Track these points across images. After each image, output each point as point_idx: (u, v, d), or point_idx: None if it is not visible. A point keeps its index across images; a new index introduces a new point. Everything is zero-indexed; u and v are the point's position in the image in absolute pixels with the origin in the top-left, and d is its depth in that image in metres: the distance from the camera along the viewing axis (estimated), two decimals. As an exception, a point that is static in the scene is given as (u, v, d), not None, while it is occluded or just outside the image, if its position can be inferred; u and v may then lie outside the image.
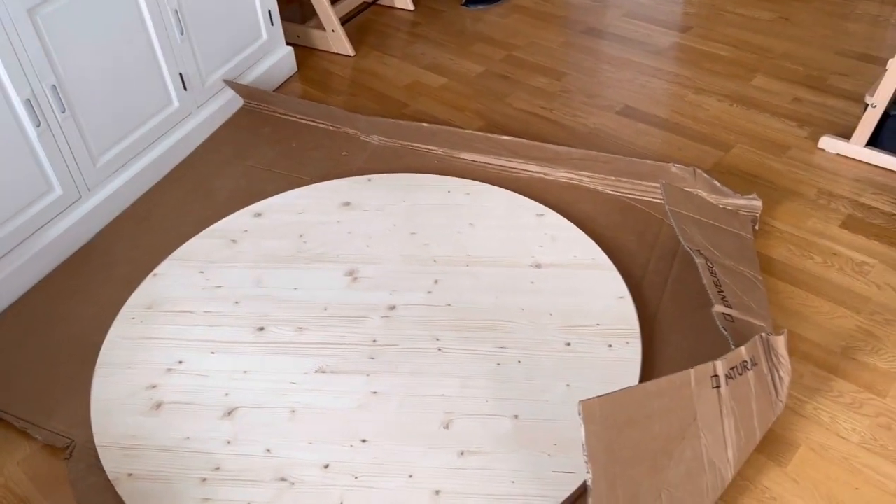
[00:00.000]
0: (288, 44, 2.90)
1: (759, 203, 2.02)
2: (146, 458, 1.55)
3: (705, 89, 2.64)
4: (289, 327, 1.80)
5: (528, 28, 3.09)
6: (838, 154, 2.29)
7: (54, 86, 1.96)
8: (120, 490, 1.50)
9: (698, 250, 1.77)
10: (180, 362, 1.74)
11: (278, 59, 2.80)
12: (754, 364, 1.46)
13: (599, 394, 1.25)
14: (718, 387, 1.39)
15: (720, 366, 1.39)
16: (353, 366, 1.70)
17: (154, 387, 1.69)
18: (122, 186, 2.23)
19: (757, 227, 2.02)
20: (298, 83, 2.85)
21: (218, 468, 1.52)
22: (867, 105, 2.16)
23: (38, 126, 1.94)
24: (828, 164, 2.26)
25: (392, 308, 1.83)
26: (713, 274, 1.71)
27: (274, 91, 2.77)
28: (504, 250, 1.98)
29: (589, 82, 2.72)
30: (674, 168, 2.06)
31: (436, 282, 1.90)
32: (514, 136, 2.44)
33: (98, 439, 1.59)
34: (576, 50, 2.92)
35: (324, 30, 2.97)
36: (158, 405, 1.65)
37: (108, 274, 2.05)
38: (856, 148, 2.25)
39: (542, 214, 2.09)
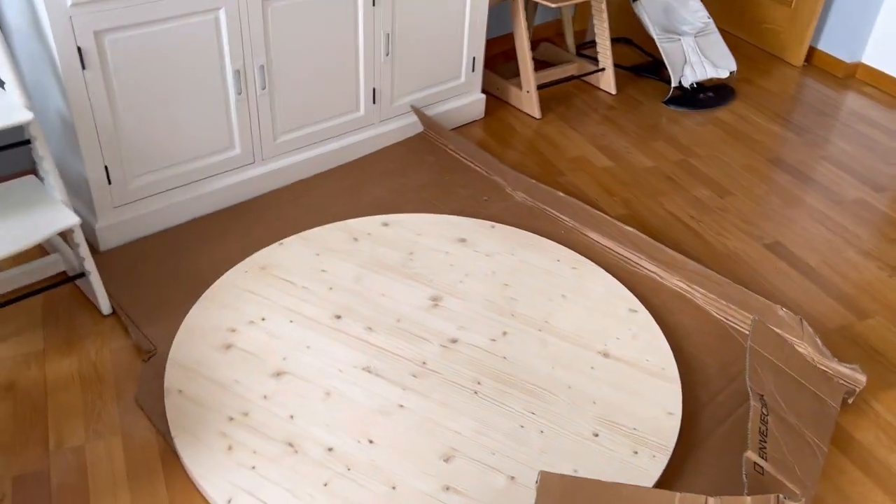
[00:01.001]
0: (485, 91, 3.14)
1: (862, 378, 1.88)
2: (198, 383, 1.78)
3: (870, 253, 2.48)
4: (361, 324, 1.97)
5: (717, 141, 3.07)
6: None
7: (262, 66, 2.31)
8: (166, 401, 1.74)
9: (761, 395, 1.70)
10: (263, 319, 1.97)
11: (469, 101, 3.03)
12: (755, 520, 1.39)
13: (566, 473, 1.28)
14: (702, 523, 1.34)
15: (713, 502, 1.35)
16: (395, 376, 1.83)
17: (234, 331, 1.94)
18: (290, 165, 2.55)
19: (850, 401, 1.88)
20: (480, 128, 3.06)
21: (246, 414, 1.72)
22: None
23: (239, 94, 2.30)
24: (971, 370, 2.04)
25: (454, 341, 1.94)
26: (763, 422, 1.63)
27: (453, 129, 3.00)
28: (581, 329, 2.01)
29: (750, 208, 2.66)
30: (781, 311, 1.98)
31: (504, 333, 1.98)
32: (652, 234, 2.46)
33: (171, 354, 1.86)
34: (753, 174, 2.86)
35: (521, 89, 3.17)
36: (229, 346, 1.89)
37: (247, 231, 2.35)
38: None
39: (635, 311, 2.10)
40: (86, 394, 1.81)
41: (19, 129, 1.96)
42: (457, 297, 2.09)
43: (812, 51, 3.79)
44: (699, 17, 3.48)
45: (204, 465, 1.61)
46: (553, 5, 2.94)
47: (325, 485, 1.58)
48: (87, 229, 2.21)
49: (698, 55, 3.35)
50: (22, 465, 1.64)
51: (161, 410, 1.74)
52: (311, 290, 2.09)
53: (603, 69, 3.40)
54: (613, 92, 3.40)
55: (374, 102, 2.69)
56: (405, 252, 2.26)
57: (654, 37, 3.29)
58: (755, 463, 1.56)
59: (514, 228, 2.41)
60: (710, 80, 3.42)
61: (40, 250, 2.21)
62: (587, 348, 1.96)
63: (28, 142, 1.85)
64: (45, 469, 1.63)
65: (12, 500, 1.56)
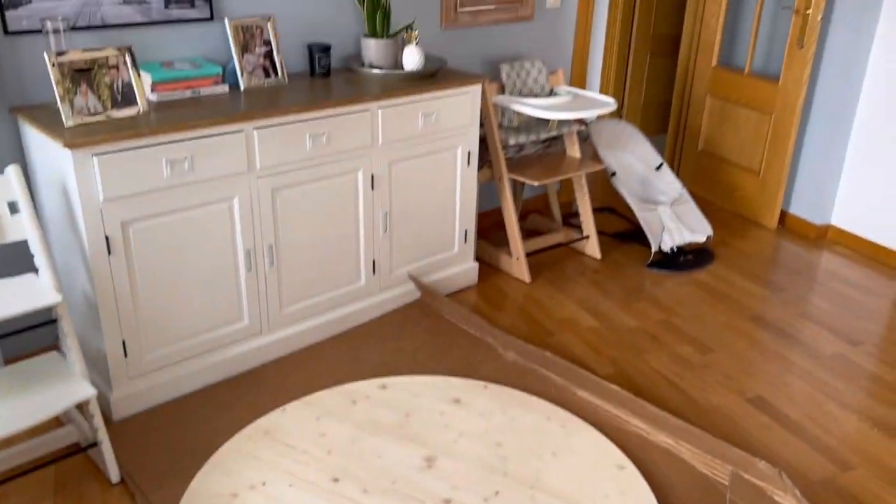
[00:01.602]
0: (478, 259, 3.37)
1: (846, 530, 1.92)
2: (200, 549, 1.84)
3: (850, 406, 2.57)
4: (357, 487, 2.05)
5: (698, 301, 3.24)
6: (972, 513, 2.09)
7: (271, 245, 2.54)
8: (169, 566, 1.80)
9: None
10: (264, 483, 2.05)
11: (462, 269, 3.25)
12: None
13: None
14: None
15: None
16: (390, 538, 1.89)
17: (235, 496, 2.01)
18: (295, 333, 2.72)
19: (837, 554, 1.91)
20: (474, 293, 3.26)
21: (245, 579, 1.76)
22: None
23: (249, 271, 2.51)
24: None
25: (447, 502, 2.01)
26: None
27: (448, 295, 3.19)
28: (572, 488, 2.08)
29: (732, 365, 2.78)
30: (761, 464, 2.05)
31: (496, 493, 2.05)
32: (638, 391, 2.57)
33: (176, 520, 1.93)
34: (733, 332, 3.00)
35: (511, 256, 3.39)
36: (231, 511, 1.96)
37: (254, 398, 2.48)
38: None
39: (623, 467, 2.17)
40: (91, 562, 1.86)
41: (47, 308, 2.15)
42: (451, 457, 2.18)
43: (784, 214, 4.06)
44: (674, 187, 3.77)
45: None
46: (536, 183, 3.23)
47: None
48: (102, 400, 2.34)
49: (675, 222, 3.60)
50: None
51: (163, 577, 1.79)
52: (310, 453, 2.18)
53: (587, 236, 3.64)
54: (598, 257, 3.63)
55: (373, 273, 2.90)
56: (401, 413, 2.36)
57: (633, 207, 3.56)
58: None
59: (505, 388, 2.52)
60: (689, 244, 3.65)
61: (56, 421, 2.33)
62: (563, 499, 2.02)
63: (55, 320, 2.04)
64: None
65: None
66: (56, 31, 2.21)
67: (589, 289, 3.33)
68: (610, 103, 3.29)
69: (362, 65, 2.92)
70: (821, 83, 3.76)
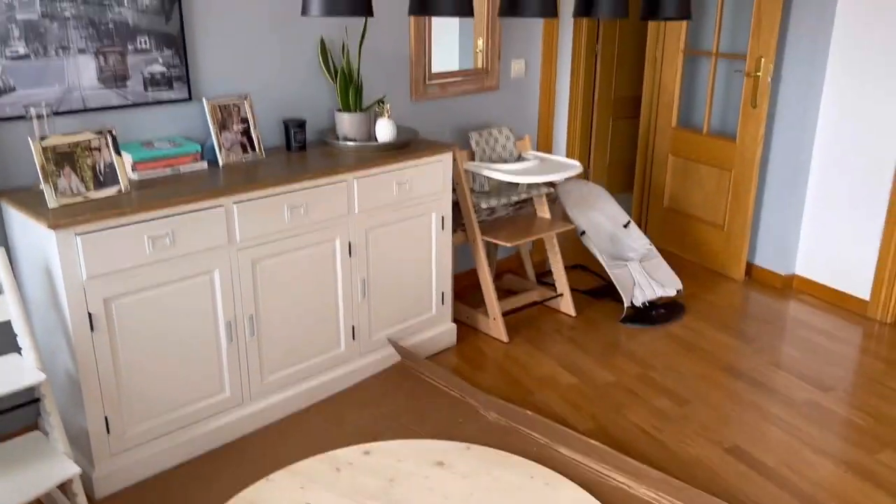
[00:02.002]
0: (456, 320, 3.42)
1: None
2: None
3: (825, 451, 2.62)
4: (345, 555, 2.05)
5: (672, 354, 3.31)
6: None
7: (251, 315, 2.58)
8: None
9: None
10: (250, 556, 2.04)
11: (441, 331, 3.29)
12: None
13: None
14: None
15: None
16: None
17: (222, 570, 2.00)
18: (278, 402, 2.73)
19: None
20: (453, 354, 3.30)
21: None
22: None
23: (231, 342, 2.54)
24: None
25: (435, 565, 2.01)
26: None
27: (427, 357, 3.23)
28: (557, 545, 2.10)
29: (709, 415, 2.84)
30: (741, 513, 2.09)
31: (483, 554, 2.06)
32: (618, 445, 2.61)
33: None
34: (708, 383, 3.07)
35: (487, 316, 3.45)
36: (218, 586, 1.94)
37: (238, 470, 2.47)
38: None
39: (606, 523, 2.19)
40: None
41: (30, 388, 2.15)
42: (436, 521, 2.19)
43: (750, 266, 4.19)
44: (641, 244, 3.89)
45: None
46: (510, 244, 3.31)
47: None
48: (85, 478, 2.32)
49: (646, 277, 3.70)
50: None
51: None
52: (296, 523, 2.18)
53: (561, 294, 3.72)
54: (573, 314, 3.70)
55: (353, 339, 2.94)
56: (385, 479, 2.37)
57: (604, 264, 3.65)
58: None
59: (488, 448, 2.54)
60: (660, 298, 3.74)
61: (37, 502, 2.30)
62: (563, 563, 2.03)
63: (37, 400, 2.04)
64: None
65: None
66: (40, 117, 2.28)
67: (566, 346, 3.39)
68: (575, 166, 3.41)
69: (337, 138, 3.02)
70: (776, 139, 3.93)
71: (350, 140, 2.99)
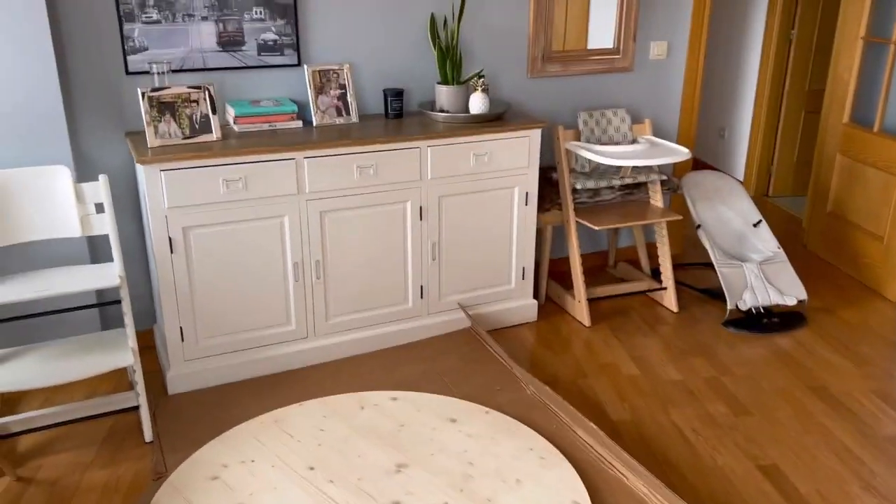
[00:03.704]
0: (547, 298, 3.48)
1: None
2: (176, 502, 2.20)
3: (880, 490, 2.34)
4: (326, 477, 2.29)
5: (761, 364, 3.08)
6: None
7: (318, 261, 2.90)
8: (150, 509, 2.17)
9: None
10: (252, 461, 2.37)
11: (519, 305, 3.38)
12: None
13: None
14: None
15: None
16: (331, 523, 2.11)
17: (225, 466, 2.35)
18: (338, 343, 3.04)
19: None
20: (528, 330, 3.37)
21: (200, 531, 2.08)
22: None
23: (297, 281, 2.89)
24: None
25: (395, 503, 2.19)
26: None
27: (502, 328, 3.35)
28: (519, 513, 2.16)
29: (762, 430, 2.64)
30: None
31: (444, 504, 2.19)
32: (644, 440, 2.56)
33: (170, 477, 2.31)
34: (784, 399, 2.83)
35: (574, 297, 3.47)
36: (215, 478, 2.30)
37: (286, 395, 2.82)
38: None
39: (580, 504, 2.20)
40: (104, 498, 2.29)
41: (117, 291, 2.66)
42: (420, 467, 2.35)
43: (910, 286, 3.69)
44: (768, 246, 3.61)
45: (150, 564, 1.99)
46: (597, 228, 3.29)
47: None
48: (160, 376, 2.81)
49: (762, 281, 3.44)
50: (35, 541, 2.12)
51: (145, 518, 2.17)
52: (303, 443, 2.47)
53: (664, 288, 3.60)
54: (675, 310, 3.56)
55: (421, 298, 3.15)
56: (397, 423, 2.58)
57: (714, 261, 3.47)
58: None
59: (505, 416, 2.63)
60: (777, 306, 3.46)
61: (127, 385, 2.85)
62: (515, 530, 2.10)
63: (113, 302, 2.54)
64: (48, 547, 2.10)
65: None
66: (161, 73, 2.77)
67: (647, 339, 3.30)
68: (683, 152, 3.28)
69: (433, 109, 3.22)
70: (955, 143, 3.41)
71: (444, 111, 3.18)
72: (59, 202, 2.53)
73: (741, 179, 5.42)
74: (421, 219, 3.03)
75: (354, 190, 2.88)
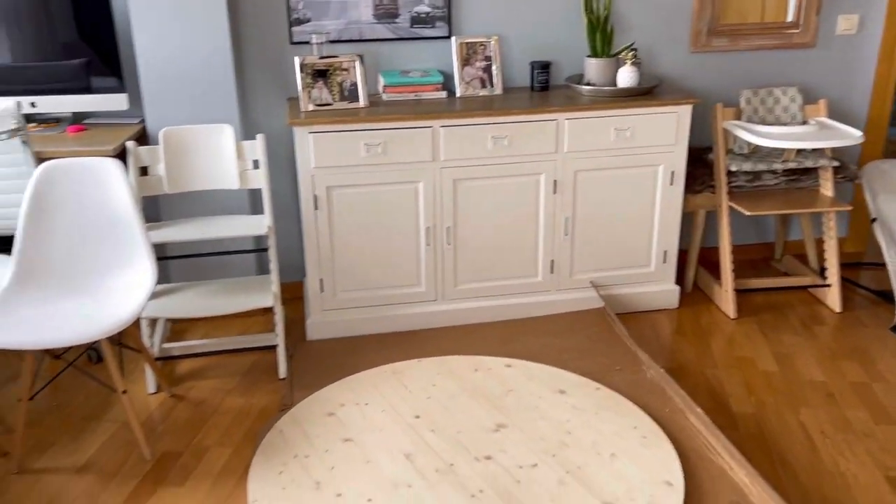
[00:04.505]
0: (696, 286, 3.47)
1: None
2: (294, 429, 2.53)
3: None
4: (428, 427, 2.52)
5: (926, 375, 2.88)
6: None
7: (449, 227, 3.13)
8: (267, 434, 2.52)
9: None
10: (366, 403, 2.66)
11: (660, 290, 3.40)
12: None
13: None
14: None
15: None
16: (421, 466, 2.33)
17: (342, 405, 2.66)
18: (463, 309, 3.26)
19: None
20: (666, 316, 3.38)
21: (307, 456, 2.40)
22: None
23: (428, 245, 3.14)
24: None
25: (488, 458, 2.36)
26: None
27: (640, 312, 3.38)
28: (604, 485, 2.25)
29: (906, 443, 2.50)
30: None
31: (534, 465, 2.33)
32: (764, 436, 2.54)
33: (293, 409, 2.65)
34: (941, 414, 2.64)
35: (721, 286, 3.41)
36: (331, 414, 2.61)
37: (411, 351, 3.09)
38: None
39: (671, 485, 2.24)
40: (236, 420, 2.69)
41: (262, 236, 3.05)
42: (519, 430, 2.51)
43: None
44: (959, 246, 3.31)
45: (257, 476, 2.33)
46: (748, 213, 3.22)
47: (317, 514, 2.15)
48: (301, 321, 3.19)
49: (945, 285, 3.18)
50: (169, 443, 2.55)
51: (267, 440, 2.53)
52: (414, 394, 2.71)
53: (828, 285, 3.43)
54: (838, 310, 3.39)
55: (551, 272, 3.28)
56: (506, 388, 2.75)
57: (887, 259, 3.25)
58: None
59: (616, 394, 2.71)
60: (963, 315, 3.18)
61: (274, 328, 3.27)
62: (597, 497, 2.20)
63: (265, 249, 2.93)
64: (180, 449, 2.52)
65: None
66: (320, 43, 3.12)
67: (799, 337, 3.18)
68: (854, 135, 3.11)
69: (580, 83, 3.32)
70: None
71: (591, 84, 3.26)
72: (223, 157, 2.96)
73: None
74: (555, 192, 3.16)
75: (488, 160, 3.07)
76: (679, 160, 3.21)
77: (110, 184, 2.56)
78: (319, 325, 3.19)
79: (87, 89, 3.09)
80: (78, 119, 3.22)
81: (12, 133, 2.62)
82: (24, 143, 2.65)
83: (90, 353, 3.10)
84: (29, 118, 3.04)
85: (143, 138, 3.11)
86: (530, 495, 2.22)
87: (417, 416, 2.60)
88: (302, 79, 3.01)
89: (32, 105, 3.05)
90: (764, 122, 3.41)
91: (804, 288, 3.56)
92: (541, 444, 2.45)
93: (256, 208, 3.37)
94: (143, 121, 3.18)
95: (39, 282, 2.51)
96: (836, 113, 3.76)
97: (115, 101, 3.11)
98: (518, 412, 2.62)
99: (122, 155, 2.84)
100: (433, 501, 2.20)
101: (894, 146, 5.24)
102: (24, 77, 3.04)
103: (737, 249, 3.87)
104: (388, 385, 2.79)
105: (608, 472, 2.31)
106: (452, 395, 2.72)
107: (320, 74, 3.03)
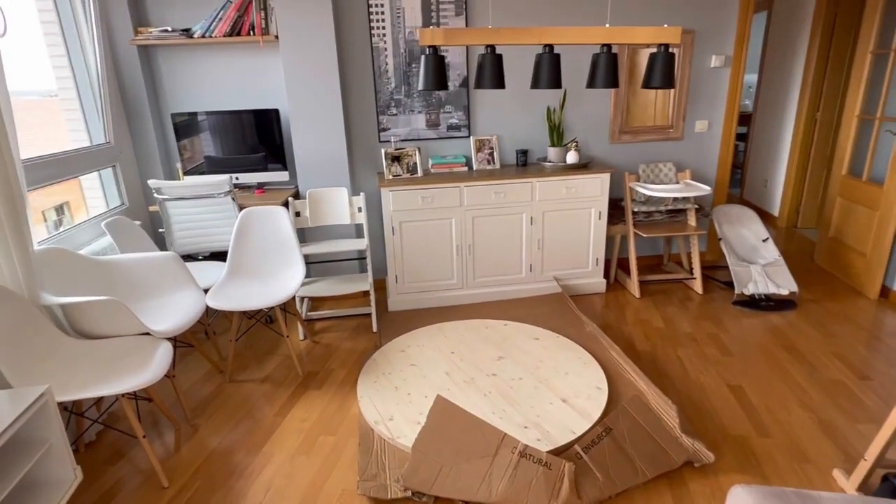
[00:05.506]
0: (616, 280, 3.63)
1: (709, 456, 1.91)
2: (383, 357, 2.73)
3: (810, 406, 2.27)
4: (459, 358, 2.71)
5: (752, 329, 3.01)
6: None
7: (470, 245, 3.33)
8: (368, 360, 2.72)
9: (609, 427, 1.94)
10: (421, 345, 2.85)
11: (593, 281, 3.56)
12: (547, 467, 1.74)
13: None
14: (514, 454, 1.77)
15: (521, 446, 1.77)
16: (457, 378, 2.51)
17: (409, 346, 2.85)
18: (479, 293, 3.45)
19: (696, 465, 1.91)
20: (598, 298, 3.54)
21: (389, 374, 2.59)
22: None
23: (458, 255, 3.34)
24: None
25: (493, 375, 2.54)
26: (599, 438, 1.89)
27: (580, 294, 3.55)
28: (559, 386, 2.41)
29: (739, 366, 2.63)
30: (669, 404, 2.10)
31: (520, 379, 2.50)
32: (653, 364, 2.68)
33: (382, 347, 2.85)
34: (760, 350, 2.78)
35: (630, 279, 3.56)
36: (404, 350, 2.81)
37: (448, 317, 3.28)
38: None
39: (600, 388, 2.40)
40: (349, 355, 2.89)
41: (365, 252, 3.27)
42: (510, 359, 2.68)
43: (888, 290, 3.31)
44: (772, 255, 3.45)
45: (362, 384, 2.53)
46: (645, 236, 3.38)
47: (419, 420, 2.34)
48: (384, 300, 3.39)
49: (763, 277, 3.32)
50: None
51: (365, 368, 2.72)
52: (450, 340, 2.90)
53: (694, 277, 3.57)
54: (700, 292, 3.52)
55: (530, 271, 3.46)
56: (503, 337, 2.93)
57: (729, 262, 3.40)
58: (577, 452, 1.86)
59: (570, 341, 2.88)
60: (776, 294, 3.31)
61: (370, 304, 3.47)
62: (558, 395, 2.36)
63: (364, 258, 3.15)
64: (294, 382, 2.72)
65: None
66: (395, 140, 3.37)
67: (676, 307, 3.33)
68: (707, 190, 3.28)
69: (544, 161, 3.53)
70: (926, 188, 3.04)
71: (550, 162, 3.47)
72: (341, 206, 3.20)
73: (776, 215, 5.03)
74: (531, 224, 3.35)
75: (492, 206, 3.28)
76: (604, 205, 3.40)
77: (280, 221, 2.81)
78: (394, 302, 3.39)
79: (265, 169, 3.36)
80: (261, 186, 3.50)
81: (227, 193, 2.89)
82: (233, 199, 2.91)
83: (267, 316, 3.34)
84: (235, 185, 3.32)
85: (296, 196, 3.37)
86: (518, 394, 2.39)
87: (452, 352, 2.79)
88: (385, 161, 3.25)
89: (236, 178, 3.33)
90: (653, 183, 3.59)
91: (680, 280, 3.71)
92: (524, 367, 2.62)
93: (360, 234, 3.60)
94: (296, 186, 3.44)
95: (241, 275, 2.76)
96: (697, 177, 3.93)
97: (281, 176, 3.38)
98: (510, 350, 2.79)
99: (286, 204, 3.09)
100: (462, 396, 2.39)
101: (731, 198, 5.38)
102: (231, 163, 3.32)
103: (640, 258, 4.03)
104: (435, 335, 2.99)
105: (563, 382, 2.48)
106: (472, 341, 2.91)
107: (395, 159, 3.27)
